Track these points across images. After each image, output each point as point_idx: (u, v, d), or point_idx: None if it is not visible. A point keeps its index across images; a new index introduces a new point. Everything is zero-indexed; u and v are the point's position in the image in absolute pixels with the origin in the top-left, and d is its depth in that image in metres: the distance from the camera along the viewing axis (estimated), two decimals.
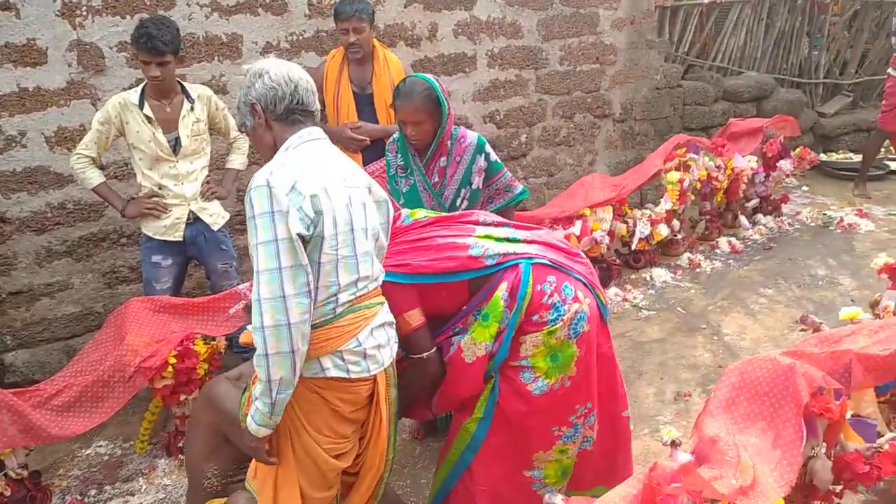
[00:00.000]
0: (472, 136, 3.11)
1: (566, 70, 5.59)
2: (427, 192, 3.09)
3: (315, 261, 1.88)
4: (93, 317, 3.99)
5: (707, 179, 5.29)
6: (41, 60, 3.67)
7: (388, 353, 2.09)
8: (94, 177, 3.43)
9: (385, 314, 2.11)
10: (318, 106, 2.08)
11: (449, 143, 3.06)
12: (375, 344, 2.03)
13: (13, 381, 3.77)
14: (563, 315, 2.25)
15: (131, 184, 3.69)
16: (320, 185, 1.89)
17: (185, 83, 3.49)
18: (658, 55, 6.15)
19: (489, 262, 2.28)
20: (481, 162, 3.11)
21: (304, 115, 2.04)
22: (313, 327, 1.89)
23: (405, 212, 2.51)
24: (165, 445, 3.31)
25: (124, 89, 3.51)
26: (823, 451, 2.26)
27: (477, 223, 2.45)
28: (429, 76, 3.00)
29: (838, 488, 2.36)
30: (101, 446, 3.46)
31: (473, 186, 3.11)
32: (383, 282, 2.27)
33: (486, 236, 2.37)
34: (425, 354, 2.33)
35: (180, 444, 3.23)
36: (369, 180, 2.13)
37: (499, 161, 3.19)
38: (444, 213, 2.56)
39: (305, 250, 1.85)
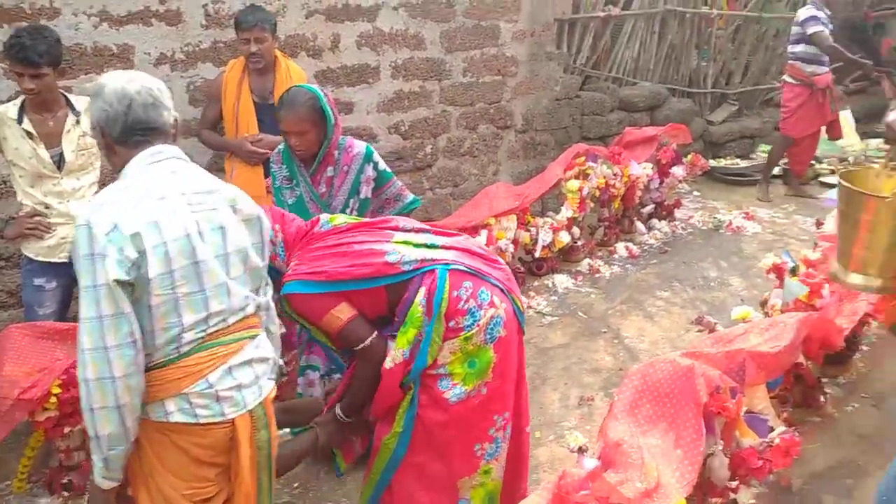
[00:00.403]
0: (360, 146, 3.08)
1: (469, 81, 5.64)
2: (314, 203, 3.04)
3: (146, 304, 1.70)
4: None
5: (605, 187, 5.45)
6: None
7: (255, 394, 1.87)
8: None
9: (254, 350, 1.90)
10: (166, 120, 1.86)
11: (336, 152, 3.02)
12: (234, 384, 1.81)
13: None
14: (479, 320, 2.25)
15: (11, 203, 3.46)
16: (148, 219, 1.69)
17: (70, 95, 3.30)
18: (557, 66, 6.30)
19: (406, 267, 2.26)
20: (370, 171, 3.08)
21: (147, 133, 1.82)
22: (154, 367, 1.75)
23: (324, 217, 2.46)
24: (47, 483, 3.06)
25: (1, 102, 3.29)
26: (720, 448, 2.36)
27: (396, 229, 2.41)
28: (314, 86, 2.97)
29: (734, 484, 2.46)
30: None
31: (362, 196, 3.09)
32: (295, 294, 2.24)
33: (405, 242, 2.33)
34: (368, 341, 2.27)
35: (64, 481, 3.01)
36: (234, 197, 1.90)
37: (388, 170, 3.18)
38: (363, 220, 2.52)
39: (133, 294, 1.68)
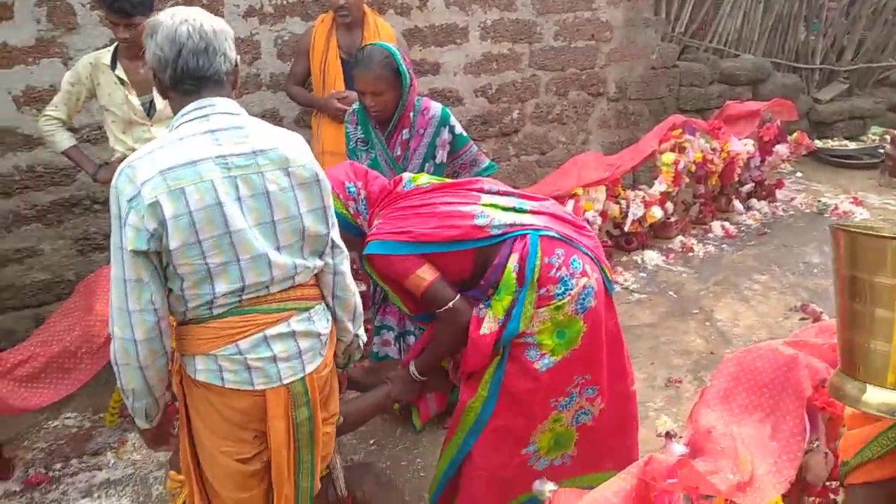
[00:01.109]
0: (435, 108, 2.97)
1: (561, 46, 5.42)
2: (388, 166, 2.95)
3: (174, 272, 1.61)
4: (63, 284, 3.82)
5: (702, 162, 5.17)
6: (6, 15, 3.47)
7: (295, 369, 1.74)
8: (64, 139, 3.27)
9: (303, 323, 1.76)
10: (219, 68, 1.67)
11: (411, 115, 2.92)
12: (268, 355, 1.69)
13: None
14: (571, 289, 2.15)
15: (104, 148, 3.52)
16: (173, 186, 1.55)
17: None
18: (654, 34, 5.99)
19: (494, 231, 2.16)
20: (445, 135, 2.97)
21: (196, 82, 1.65)
22: (188, 322, 1.70)
23: (407, 176, 2.37)
24: None
25: (97, 49, 3.33)
26: (822, 445, 2.17)
27: (482, 191, 2.31)
28: (390, 45, 2.86)
29: (834, 484, 2.28)
30: (69, 418, 3.32)
31: (437, 160, 2.98)
32: (378, 254, 2.15)
33: (492, 205, 2.23)
34: (451, 304, 2.19)
35: None
36: (289, 159, 1.70)
37: (464, 134, 3.06)
38: (446, 180, 2.42)
39: (161, 262, 1.60)
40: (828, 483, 2.22)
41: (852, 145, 7.29)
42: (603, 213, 4.61)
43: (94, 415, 3.32)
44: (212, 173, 1.59)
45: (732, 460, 1.94)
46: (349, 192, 2.27)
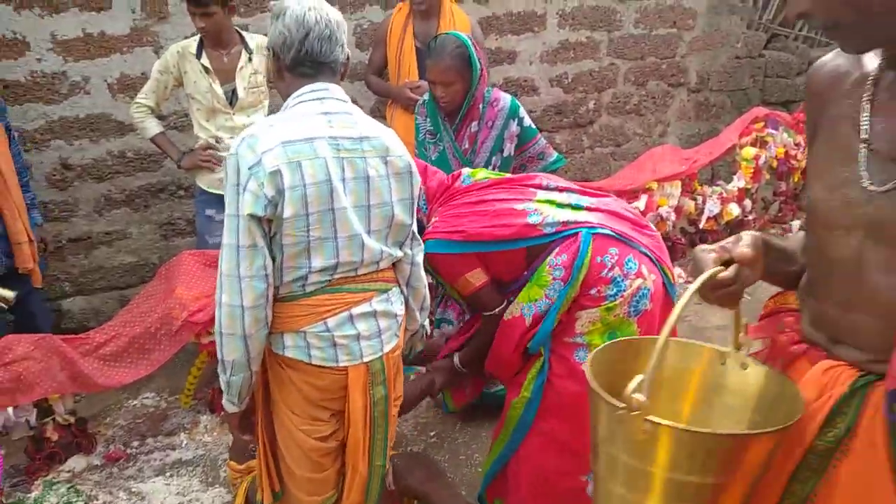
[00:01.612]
0: (505, 100, 2.95)
1: (641, 33, 5.29)
2: (456, 160, 2.96)
3: (279, 242, 1.70)
4: (148, 268, 4.01)
5: (785, 158, 4.97)
6: (106, 5, 3.62)
7: (375, 347, 1.85)
8: (153, 126, 3.40)
9: (383, 303, 1.86)
10: (337, 56, 1.79)
11: (481, 106, 2.90)
12: (353, 333, 1.80)
13: (68, 328, 3.83)
14: (624, 291, 2.11)
15: (190, 135, 3.65)
16: (292, 158, 1.66)
17: (245, 33, 3.40)
18: (740, 21, 5.78)
19: (547, 230, 2.17)
20: (514, 127, 2.95)
21: (315, 66, 1.77)
22: (280, 300, 1.77)
23: (466, 171, 2.40)
24: (209, 402, 3.31)
25: (186, 37, 3.46)
26: None
27: (540, 187, 2.31)
28: (463, 35, 2.84)
29: None
30: (147, 398, 3.49)
31: (505, 154, 2.96)
32: (435, 253, 2.19)
33: (548, 201, 2.24)
34: (496, 310, 2.26)
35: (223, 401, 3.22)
36: (389, 148, 1.82)
37: (533, 126, 3.03)
38: (505, 175, 2.44)
39: (270, 229, 1.69)
40: None
41: None
42: (678, 209, 4.49)
43: (170, 396, 3.48)
44: (325, 151, 1.71)
45: None
46: None
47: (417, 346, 2.20)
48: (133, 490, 2.86)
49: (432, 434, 3.11)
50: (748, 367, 1.31)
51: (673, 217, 4.43)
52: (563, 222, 2.17)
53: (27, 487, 2.84)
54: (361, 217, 1.77)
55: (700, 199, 4.66)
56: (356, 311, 1.80)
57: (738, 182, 4.78)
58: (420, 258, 1.99)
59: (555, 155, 3.14)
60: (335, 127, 1.74)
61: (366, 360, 1.83)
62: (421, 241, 2.01)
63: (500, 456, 2.34)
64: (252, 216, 1.64)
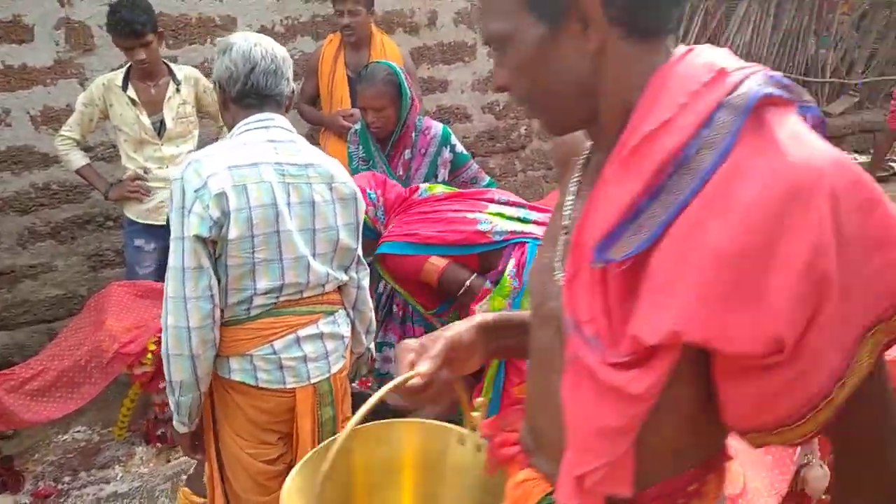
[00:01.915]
0: (437, 127, 3.04)
1: None
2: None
3: (224, 263, 1.73)
4: (76, 300, 3.90)
5: None
6: (27, 38, 3.58)
7: (322, 369, 1.87)
8: (78, 159, 3.36)
9: (329, 325, 1.89)
10: (282, 90, 1.86)
11: (413, 135, 2.99)
12: (300, 355, 1.82)
13: None
14: None
15: (118, 166, 3.61)
16: (237, 182, 1.70)
17: (172, 64, 3.40)
18: None
19: (496, 237, 2.30)
20: (446, 154, 3.03)
21: (260, 98, 1.83)
22: (225, 324, 1.78)
23: (423, 186, 2.54)
24: (144, 433, 3.24)
25: (113, 69, 3.43)
26: (817, 459, 2.18)
27: (492, 201, 2.46)
28: (392, 63, 2.95)
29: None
30: (78, 432, 3.40)
31: (439, 178, 3.04)
32: (393, 254, 2.32)
33: (498, 214, 2.38)
34: (468, 282, 2.35)
35: (158, 433, 3.16)
36: (333, 175, 1.87)
37: (465, 152, 3.12)
38: (460, 190, 2.59)
39: (215, 251, 1.72)
40: (824, 496, 2.24)
41: (862, 159, 7.28)
42: None
43: (102, 428, 3.39)
44: (270, 176, 1.75)
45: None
46: (370, 198, 2.43)
47: (362, 370, 2.23)
48: None
49: None
50: (482, 451, 1.16)
51: None
52: (511, 231, 2.33)
53: None
54: (307, 240, 1.81)
55: None
56: (303, 332, 1.83)
57: None
58: (366, 282, 2.04)
59: (487, 179, 3.23)
60: (280, 154, 1.79)
61: (313, 381, 1.85)
62: (366, 266, 2.06)
63: None
64: (198, 237, 1.66)
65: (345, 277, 1.95)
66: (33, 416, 2.86)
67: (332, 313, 1.91)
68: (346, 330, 1.96)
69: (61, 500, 2.94)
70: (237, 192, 1.69)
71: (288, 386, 1.82)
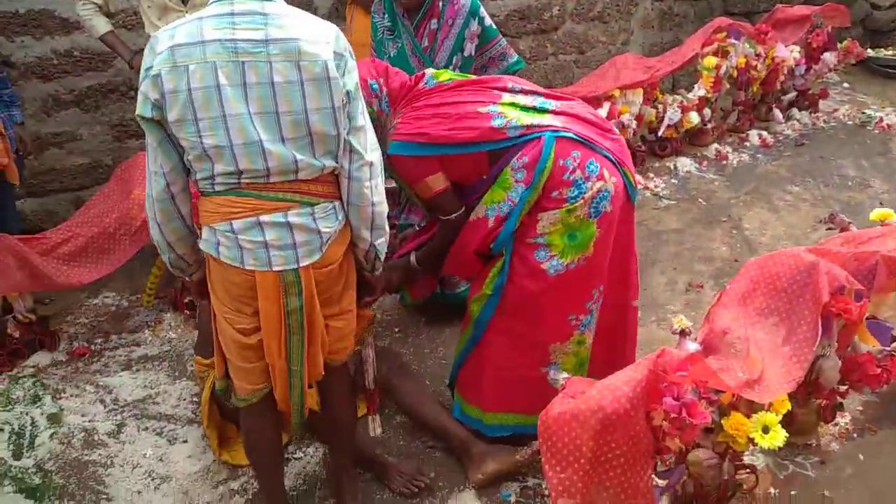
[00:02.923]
0: None
1: None
2: (416, 57, 2.92)
3: (178, 144, 1.70)
4: (102, 169, 3.92)
5: (745, 68, 5.01)
6: None
7: (287, 259, 1.77)
8: (101, 25, 3.28)
9: (307, 217, 1.77)
10: None
11: (441, 4, 2.86)
12: (260, 240, 1.74)
13: (22, 230, 3.75)
14: (585, 193, 2.14)
15: (140, 34, 3.53)
16: (178, 62, 1.61)
17: None
18: None
19: (511, 133, 2.15)
20: (474, 26, 2.91)
21: None
22: (201, 193, 1.78)
23: (429, 72, 2.34)
24: (172, 301, 3.33)
25: None
26: (834, 350, 2.21)
27: (505, 89, 2.28)
28: None
29: (843, 388, 2.33)
30: (108, 297, 3.50)
31: (465, 53, 2.93)
32: (396, 155, 2.18)
33: (512, 104, 2.21)
34: (453, 216, 2.28)
35: (186, 301, 3.24)
36: (302, 53, 1.68)
37: (493, 26, 3.00)
38: (470, 77, 2.40)
39: (166, 132, 1.69)
40: (836, 386, 2.28)
41: None
42: (639, 117, 4.54)
43: (131, 295, 3.49)
44: (217, 56, 1.63)
45: (744, 360, 1.99)
46: (372, 89, 2.25)
47: (377, 265, 2.04)
48: (100, 384, 2.89)
49: (397, 330, 3.19)
50: None
51: (634, 125, 4.48)
52: (527, 126, 2.17)
53: None
54: (270, 125, 1.69)
55: (661, 107, 4.70)
56: (266, 218, 1.74)
57: (699, 91, 4.82)
58: (361, 174, 1.83)
59: (515, 57, 3.12)
60: (238, 30, 1.65)
61: (276, 268, 1.77)
62: (365, 155, 1.83)
63: (463, 350, 2.41)
64: (142, 117, 1.66)
65: (330, 164, 1.78)
66: (65, 280, 2.95)
67: (310, 205, 1.78)
68: (327, 226, 1.81)
69: (95, 360, 3.06)
70: (176, 73, 1.61)
71: (247, 267, 1.76)
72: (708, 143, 5.03)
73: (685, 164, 4.78)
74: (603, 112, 4.21)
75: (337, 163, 1.80)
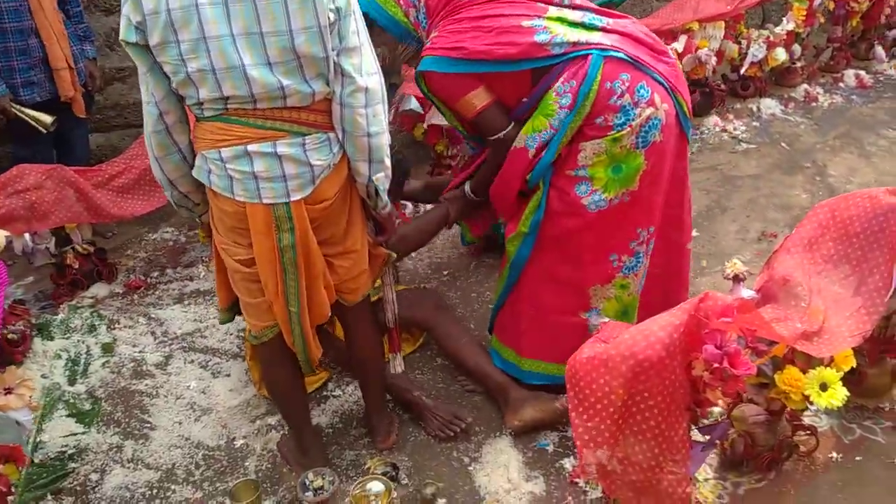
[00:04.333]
0: None
1: None
2: None
3: (162, 70, 1.61)
4: None
5: (843, 0, 4.58)
6: None
7: (277, 191, 1.68)
8: None
9: (296, 147, 1.68)
10: None
11: None
12: (247, 170, 1.66)
13: (89, 163, 3.85)
14: (633, 120, 1.96)
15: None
16: None
17: None
18: None
19: (555, 50, 1.96)
20: None
21: None
22: (196, 118, 1.72)
23: None
24: None
25: None
26: None
27: (551, 3, 2.07)
28: None
29: None
30: (167, 232, 3.56)
31: None
32: (431, 72, 2.02)
33: (559, 19, 2.02)
34: (502, 133, 2.09)
35: None
36: None
37: None
38: None
39: (151, 58, 1.60)
40: None
41: None
42: (719, 53, 4.22)
43: (189, 231, 3.54)
44: None
45: (804, 311, 1.81)
46: None
47: (377, 203, 1.91)
48: (152, 316, 2.95)
49: (445, 273, 3.11)
50: None
51: (713, 61, 4.16)
52: (574, 43, 1.98)
53: (54, 311, 2.96)
54: (255, 46, 1.58)
55: (744, 42, 4.35)
56: (253, 148, 1.66)
57: (788, 24, 4.43)
58: (353, 100, 1.69)
59: None
60: None
61: (265, 201, 1.69)
62: (358, 80, 1.68)
63: (502, 293, 2.30)
64: (126, 42, 1.58)
65: (320, 89, 1.67)
66: (119, 211, 3.00)
67: (301, 134, 1.69)
68: (318, 158, 1.72)
69: (150, 292, 3.12)
70: None
71: (237, 197, 1.70)
72: (796, 84, 4.65)
73: (769, 105, 4.44)
74: (679, 46, 3.94)
75: (329, 87, 1.68)
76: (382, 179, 1.83)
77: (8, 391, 2.09)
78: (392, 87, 2.27)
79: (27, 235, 2.85)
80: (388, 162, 1.82)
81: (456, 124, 2.25)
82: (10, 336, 2.53)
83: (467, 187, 2.31)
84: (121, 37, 1.59)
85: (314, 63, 1.63)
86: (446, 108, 2.18)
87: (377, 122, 1.74)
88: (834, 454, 2.06)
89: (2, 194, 2.74)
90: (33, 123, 3.02)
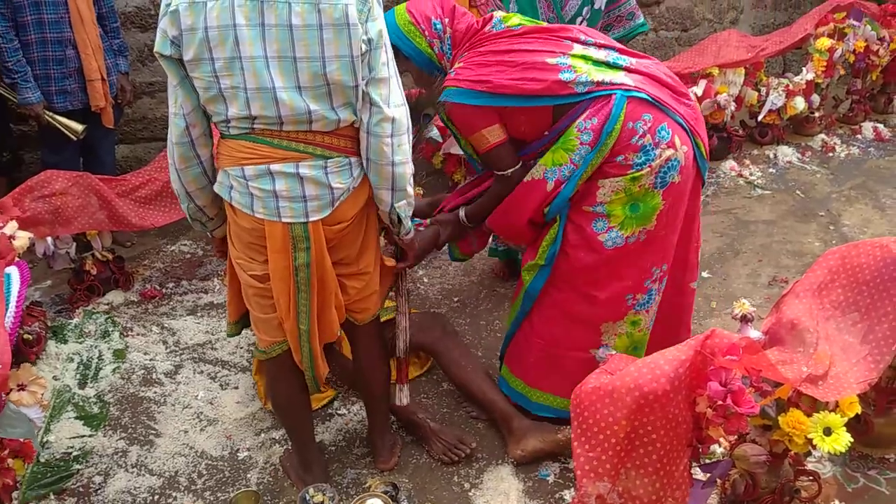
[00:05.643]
0: None
1: None
2: (547, 3, 2.78)
3: (193, 85, 1.66)
4: None
5: (864, 52, 4.62)
6: None
7: (297, 211, 1.73)
8: None
9: (319, 170, 1.72)
10: None
11: None
12: (269, 188, 1.70)
13: (115, 173, 3.93)
14: (653, 161, 1.99)
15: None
16: None
17: None
18: None
19: (579, 88, 2.00)
20: None
21: None
22: (221, 137, 1.76)
23: (498, 15, 2.20)
24: None
25: None
26: None
27: (577, 41, 2.11)
28: None
29: None
30: (185, 245, 3.62)
31: (596, 6, 2.80)
32: (455, 102, 2.05)
33: (584, 57, 2.05)
34: (509, 171, 2.13)
35: None
36: None
37: None
38: (542, 24, 2.24)
39: (183, 72, 1.65)
40: None
41: None
42: (738, 99, 4.27)
43: (206, 244, 3.59)
44: None
45: (811, 356, 1.82)
46: (435, 29, 2.13)
47: (400, 231, 1.96)
48: (165, 325, 2.99)
49: (456, 299, 3.14)
50: None
51: (732, 107, 4.21)
52: (598, 82, 2.01)
53: (69, 315, 3.01)
54: (287, 71, 1.63)
55: (764, 90, 4.40)
56: (276, 167, 1.70)
57: (807, 74, 4.48)
58: (378, 128, 1.73)
59: (641, 19, 2.97)
60: None
61: (284, 220, 1.73)
62: (386, 111, 1.72)
63: (514, 321, 2.32)
64: (161, 55, 1.63)
65: (347, 117, 1.71)
66: (140, 221, 3.05)
67: (325, 157, 1.73)
68: (339, 182, 1.75)
69: (164, 302, 3.16)
70: (195, 9, 1.57)
71: (257, 214, 1.74)
72: (814, 133, 4.69)
73: (786, 153, 4.47)
74: (698, 90, 3.99)
75: (356, 116, 1.73)
76: (405, 207, 1.87)
77: (21, 387, 2.13)
78: (426, 118, 2.34)
79: (49, 239, 2.90)
80: (410, 190, 1.86)
81: (469, 152, 2.29)
82: (26, 336, 2.58)
83: (462, 213, 2.34)
84: (155, 49, 1.64)
85: (343, 91, 1.68)
86: (463, 137, 2.22)
87: (401, 152, 1.78)
88: (836, 502, 2.05)
89: (29, 197, 2.80)
90: (64, 130, 3.12)
